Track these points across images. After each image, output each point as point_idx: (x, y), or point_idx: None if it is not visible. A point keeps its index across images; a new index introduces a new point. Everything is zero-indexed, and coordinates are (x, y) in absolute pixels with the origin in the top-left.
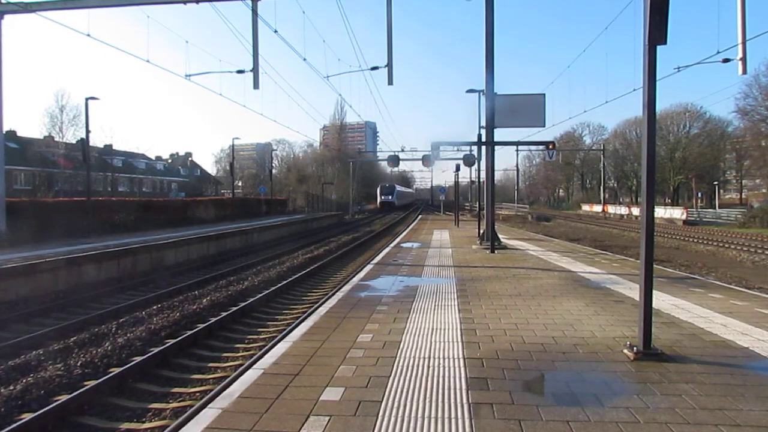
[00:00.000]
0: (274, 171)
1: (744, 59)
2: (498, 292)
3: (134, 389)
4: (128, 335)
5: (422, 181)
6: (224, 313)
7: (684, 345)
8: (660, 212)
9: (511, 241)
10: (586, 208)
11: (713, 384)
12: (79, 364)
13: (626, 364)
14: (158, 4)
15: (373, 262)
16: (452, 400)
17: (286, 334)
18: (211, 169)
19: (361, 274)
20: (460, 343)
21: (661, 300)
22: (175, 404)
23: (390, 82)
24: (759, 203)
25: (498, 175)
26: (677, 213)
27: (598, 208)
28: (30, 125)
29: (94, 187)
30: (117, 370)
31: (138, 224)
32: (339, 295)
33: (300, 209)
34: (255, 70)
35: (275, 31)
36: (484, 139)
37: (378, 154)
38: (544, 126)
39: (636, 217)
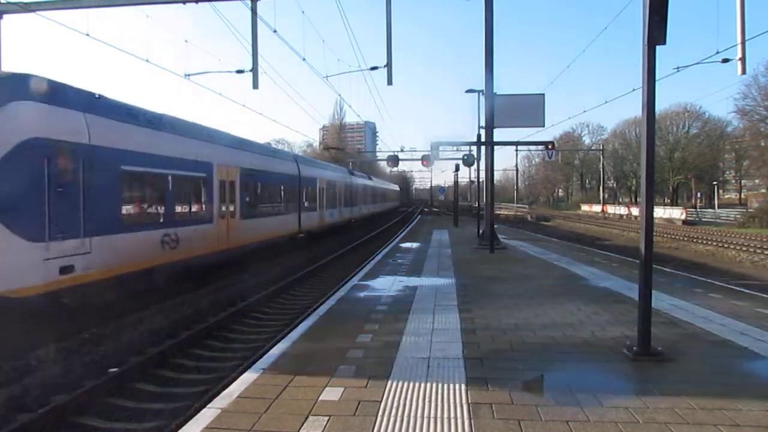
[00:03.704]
0: None
1: (743, 59)
2: (497, 292)
3: (134, 389)
4: (128, 335)
5: (422, 181)
6: (223, 313)
7: (683, 345)
8: (659, 212)
9: (511, 241)
10: (585, 208)
11: (713, 384)
12: (78, 364)
13: (626, 364)
14: (158, 4)
15: (373, 261)
16: (452, 400)
17: (286, 334)
18: None
19: (361, 274)
20: (459, 343)
21: (660, 300)
22: (174, 404)
23: (389, 82)
24: (758, 203)
25: (497, 175)
26: (676, 213)
27: (597, 208)
28: None
29: None
30: (116, 369)
31: None
32: (338, 294)
33: None
34: (254, 69)
35: (274, 31)
36: (483, 139)
37: (377, 154)
38: (543, 126)
39: (635, 217)
